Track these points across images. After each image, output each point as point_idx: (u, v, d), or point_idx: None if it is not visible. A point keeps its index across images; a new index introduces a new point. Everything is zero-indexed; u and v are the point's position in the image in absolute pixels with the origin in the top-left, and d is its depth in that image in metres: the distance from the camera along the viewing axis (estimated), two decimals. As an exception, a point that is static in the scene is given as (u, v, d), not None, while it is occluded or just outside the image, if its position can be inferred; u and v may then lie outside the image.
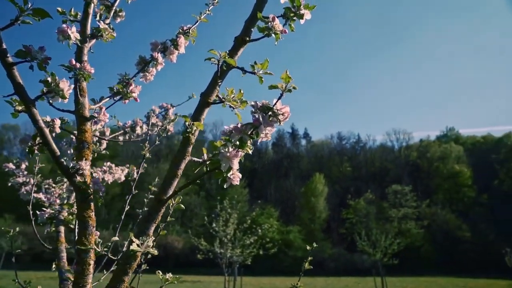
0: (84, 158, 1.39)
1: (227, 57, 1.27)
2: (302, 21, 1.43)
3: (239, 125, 1.14)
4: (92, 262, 1.28)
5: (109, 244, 1.27)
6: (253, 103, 1.15)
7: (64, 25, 1.38)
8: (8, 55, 1.05)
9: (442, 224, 40.65)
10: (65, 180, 2.14)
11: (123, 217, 1.63)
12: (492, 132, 60.17)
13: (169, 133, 2.33)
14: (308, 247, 1.90)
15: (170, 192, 1.21)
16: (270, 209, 38.96)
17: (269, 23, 1.34)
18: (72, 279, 1.32)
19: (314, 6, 1.43)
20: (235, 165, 1.11)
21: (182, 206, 1.30)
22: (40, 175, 2.00)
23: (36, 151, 1.23)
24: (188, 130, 1.20)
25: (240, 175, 1.16)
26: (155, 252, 1.07)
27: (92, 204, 1.32)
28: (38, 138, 1.21)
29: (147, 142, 1.80)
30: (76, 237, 1.29)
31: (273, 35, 1.35)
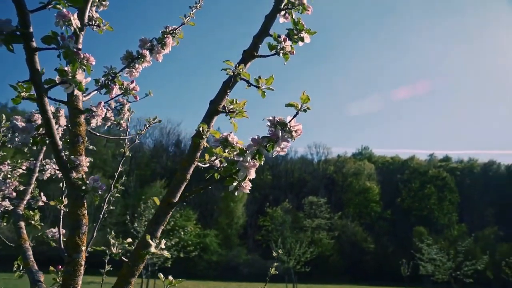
0: (79, 153, 1.33)
1: (243, 71, 1.31)
2: (301, 44, 1.53)
3: (256, 137, 1.19)
4: (83, 263, 1.23)
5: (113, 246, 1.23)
6: (271, 118, 1.21)
7: (65, 10, 1.32)
8: (33, 39, 0.99)
9: (350, 235, 43.59)
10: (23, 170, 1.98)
11: (102, 215, 1.56)
12: (399, 154, 66.10)
13: (121, 129, 2.27)
14: (275, 253, 1.99)
15: (178, 195, 1.21)
16: (188, 211, 38.43)
17: (281, 43, 1.42)
18: (59, 281, 1.25)
19: (315, 32, 1.54)
20: (252, 174, 1.16)
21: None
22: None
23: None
24: (203, 136, 1.22)
25: (251, 184, 1.21)
26: (168, 254, 1.08)
27: (85, 202, 1.27)
28: (41, 129, 1.15)
29: (126, 140, 1.75)
30: (67, 236, 1.23)
31: (281, 55, 1.43)
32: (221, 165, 1.23)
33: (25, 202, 1.79)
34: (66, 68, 1.10)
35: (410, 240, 38.71)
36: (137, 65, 1.82)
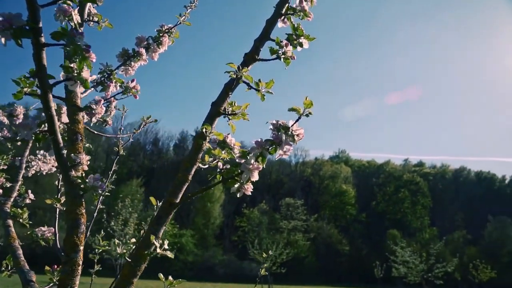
0: (78, 151, 1.31)
1: (246, 74, 1.33)
2: (299, 49, 1.56)
3: (259, 140, 1.21)
4: (81, 263, 1.21)
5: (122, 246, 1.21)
6: (274, 121, 1.23)
7: (65, 5, 1.30)
8: (42, 35, 0.97)
9: (326, 237, 44.12)
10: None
11: (95, 214, 1.54)
12: (375, 158, 67.42)
13: (106, 126, 2.25)
14: (264, 255, 2.01)
15: (180, 196, 1.21)
16: (165, 211, 37.90)
17: (283, 48, 1.44)
18: (56, 281, 1.23)
19: (314, 38, 1.57)
20: (256, 177, 1.17)
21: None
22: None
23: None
24: (206, 137, 1.23)
25: (252, 186, 1.22)
26: (172, 255, 1.08)
27: (83, 201, 1.25)
28: (43, 126, 1.13)
29: (120, 139, 1.74)
30: (66, 235, 1.21)
31: (282, 59, 1.45)
32: (224, 167, 1.24)
33: (12, 199, 1.75)
34: (72, 65, 1.08)
35: (383, 242, 39.54)
36: (132, 63, 1.80)
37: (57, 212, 1.39)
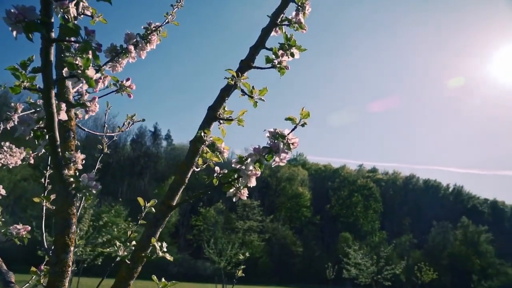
0: (70, 149, 1.28)
1: (243, 81, 1.35)
2: (290, 59, 1.61)
3: (257, 146, 1.24)
4: (71, 264, 1.19)
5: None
6: (272, 130, 1.26)
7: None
8: (52, 30, 0.95)
9: (280, 238, 44.75)
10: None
11: (77, 213, 1.50)
12: (332, 163, 69.21)
13: (77, 120, 2.20)
14: (241, 256, 2.04)
15: (176, 198, 1.22)
16: (119, 207, 36.85)
17: (278, 58, 1.48)
18: (43, 282, 1.20)
19: (305, 49, 1.62)
20: (253, 182, 1.20)
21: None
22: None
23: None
24: (205, 141, 1.24)
25: (247, 192, 1.25)
26: (171, 258, 1.08)
27: (75, 200, 1.23)
28: (41, 122, 1.10)
29: (104, 137, 1.71)
30: (55, 235, 1.17)
31: (278, 69, 1.49)
32: (221, 171, 1.26)
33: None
34: (77, 62, 1.07)
35: (336, 244, 40.72)
36: (120, 60, 1.77)
37: (44, 211, 1.35)
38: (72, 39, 1.00)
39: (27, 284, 1.42)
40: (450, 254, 46.53)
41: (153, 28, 1.96)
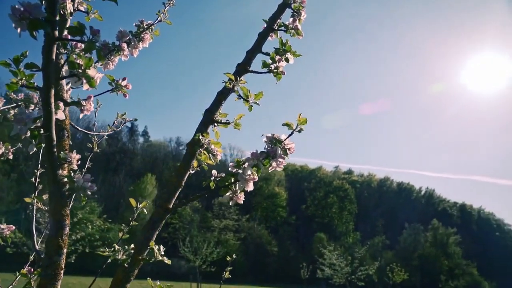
0: (64, 148, 1.26)
1: (242, 86, 1.36)
2: (285, 64, 1.62)
3: (255, 151, 1.25)
4: (63, 266, 1.16)
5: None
6: (269, 135, 1.27)
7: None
8: (56, 28, 0.93)
9: (256, 238, 44.86)
10: None
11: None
12: (308, 163, 69.84)
13: None
14: (227, 258, 2.04)
15: (173, 201, 1.21)
16: (93, 204, 36.06)
17: (275, 63, 1.49)
18: (33, 285, 1.17)
19: (300, 54, 1.64)
20: (250, 187, 1.21)
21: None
22: None
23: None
24: (203, 145, 1.24)
25: (244, 196, 1.26)
26: (169, 262, 1.08)
27: (68, 201, 1.20)
28: (37, 121, 1.07)
29: (94, 135, 1.68)
30: (49, 237, 1.15)
31: (274, 74, 1.51)
32: (219, 175, 1.26)
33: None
34: (78, 61, 1.05)
35: (311, 245, 41.15)
36: (113, 57, 1.74)
37: (34, 212, 1.31)
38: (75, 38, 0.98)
39: (11, 286, 1.39)
40: (421, 255, 47.83)
41: (146, 26, 1.93)
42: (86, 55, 1.05)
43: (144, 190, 44.30)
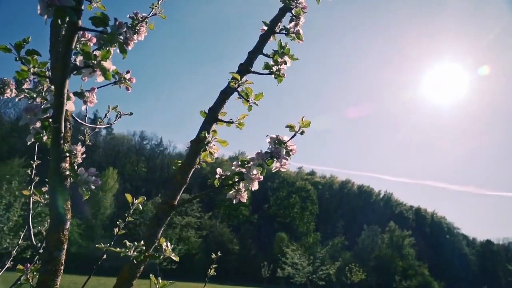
0: (67, 141, 1.23)
1: (246, 85, 1.38)
2: (284, 66, 1.66)
3: (260, 151, 1.27)
4: (63, 261, 1.14)
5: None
6: (273, 136, 1.30)
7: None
8: (80, 18, 0.92)
9: (218, 235, 44.75)
10: None
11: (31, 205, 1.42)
12: (272, 163, 70.14)
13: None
14: (213, 256, 2.05)
15: (178, 197, 1.21)
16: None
17: (278, 66, 1.52)
18: (32, 281, 1.14)
19: (298, 58, 1.68)
20: (255, 186, 1.23)
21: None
22: None
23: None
24: (209, 142, 1.25)
25: (246, 195, 1.28)
26: (177, 258, 1.08)
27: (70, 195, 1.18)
28: (47, 112, 1.05)
29: (87, 128, 1.64)
30: (48, 231, 1.12)
31: (275, 76, 1.54)
32: (223, 173, 1.27)
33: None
34: (95, 52, 1.04)
35: (272, 244, 41.56)
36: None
37: (31, 205, 1.27)
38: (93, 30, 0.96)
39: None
40: (377, 256, 49.56)
41: (140, 19, 1.91)
42: (105, 47, 1.04)
43: (105, 184, 43.04)
